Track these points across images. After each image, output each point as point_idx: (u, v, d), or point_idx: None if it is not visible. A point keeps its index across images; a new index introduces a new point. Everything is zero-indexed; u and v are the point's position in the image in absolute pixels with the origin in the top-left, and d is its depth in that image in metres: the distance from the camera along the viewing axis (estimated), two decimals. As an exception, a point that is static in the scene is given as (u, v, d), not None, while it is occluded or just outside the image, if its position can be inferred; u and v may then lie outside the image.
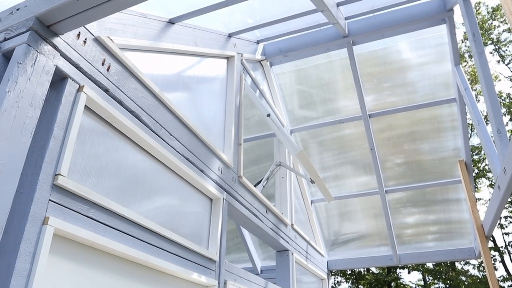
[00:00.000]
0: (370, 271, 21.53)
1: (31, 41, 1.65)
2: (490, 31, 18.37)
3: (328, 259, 6.38)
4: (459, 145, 5.30)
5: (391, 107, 5.25)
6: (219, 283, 2.80)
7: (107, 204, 1.87)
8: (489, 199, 16.20)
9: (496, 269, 18.36)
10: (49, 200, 1.60)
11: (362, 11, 4.52)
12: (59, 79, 1.81)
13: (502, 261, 18.05)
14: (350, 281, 21.96)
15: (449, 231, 5.90)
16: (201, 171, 2.86)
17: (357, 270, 21.60)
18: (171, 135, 2.55)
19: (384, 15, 4.62)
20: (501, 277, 17.82)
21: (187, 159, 2.69)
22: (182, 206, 2.64)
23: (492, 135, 3.89)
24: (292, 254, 4.59)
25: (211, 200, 3.04)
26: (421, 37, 4.86)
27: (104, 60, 2.07)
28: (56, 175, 1.64)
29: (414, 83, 5.14)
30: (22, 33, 1.68)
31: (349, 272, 21.60)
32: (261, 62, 5.04)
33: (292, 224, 4.78)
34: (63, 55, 1.80)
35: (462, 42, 17.49)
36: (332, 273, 22.62)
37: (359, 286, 21.47)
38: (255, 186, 4.23)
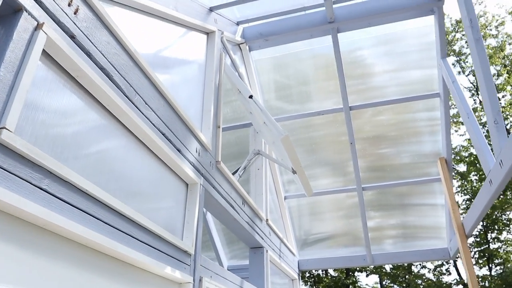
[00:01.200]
0: (329, 274, 21.63)
1: (-28, -49, 1.25)
2: (452, 42, 18.98)
3: (299, 259, 6.13)
4: (439, 142, 5.19)
5: (372, 100, 5.06)
6: (194, 279, 2.44)
7: (66, 175, 1.47)
8: (465, 200, 16.55)
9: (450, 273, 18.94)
10: (-12, 161, 1.20)
11: (350, -5, 4.30)
12: (11, 11, 1.40)
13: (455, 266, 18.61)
14: (309, 284, 21.97)
15: (424, 232, 5.81)
16: (178, 150, 2.49)
17: (316, 273, 21.63)
18: (146, 104, 2.17)
19: (371, 2, 4.42)
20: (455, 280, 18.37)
21: (163, 134, 2.31)
22: (155, 188, 2.26)
23: (486, 127, 3.75)
24: (267, 251, 4.29)
25: (187, 185, 2.67)
26: (407, 27, 4.70)
27: (72, 0, 1.67)
28: (0, 128, 1.24)
29: (397, 76, 4.98)
30: None
31: (307, 274, 21.60)
32: (240, 45, 4.71)
33: (267, 220, 4.47)
34: (16, -20, 1.40)
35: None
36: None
37: (317, 289, 21.52)
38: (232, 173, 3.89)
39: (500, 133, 3.19)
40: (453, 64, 19.26)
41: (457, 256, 5.53)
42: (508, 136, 3.09)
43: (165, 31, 2.79)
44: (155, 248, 2.07)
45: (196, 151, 2.79)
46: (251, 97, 3.43)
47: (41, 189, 1.38)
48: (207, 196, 2.92)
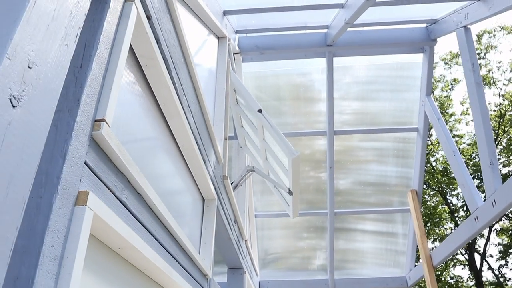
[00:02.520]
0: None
1: None
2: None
3: (259, 280, 5.92)
4: (410, 175, 5.34)
5: (354, 126, 5.10)
6: (209, 308, 2.16)
7: (143, 186, 1.18)
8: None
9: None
10: (85, 163, 0.90)
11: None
12: (100, -26, 1.11)
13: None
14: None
15: (386, 259, 5.90)
16: (204, 161, 2.22)
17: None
18: (189, 107, 1.91)
19: (369, 32, 4.48)
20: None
21: (196, 142, 2.05)
22: (180, 202, 1.98)
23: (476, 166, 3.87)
24: (245, 272, 4.04)
25: (204, 200, 2.40)
26: (397, 61, 4.83)
27: (148, -26, 1.40)
28: (96, 120, 0.95)
29: (380, 106, 5.08)
30: None
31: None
32: (235, 55, 4.51)
33: (246, 240, 4.24)
34: None
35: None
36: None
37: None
38: (225, 191, 3.63)
39: (495, 174, 3.31)
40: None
41: (415, 285, 5.67)
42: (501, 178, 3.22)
43: (186, 28, 2.52)
44: (188, 272, 1.78)
45: (213, 164, 2.53)
46: (260, 111, 3.23)
47: (121, 202, 1.08)
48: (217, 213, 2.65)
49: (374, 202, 5.61)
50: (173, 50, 1.67)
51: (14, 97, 0.66)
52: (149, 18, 1.37)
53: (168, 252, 1.48)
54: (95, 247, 0.98)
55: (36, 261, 0.71)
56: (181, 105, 1.77)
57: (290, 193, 3.56)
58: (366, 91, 5.09)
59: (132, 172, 1.11)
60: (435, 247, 14.09)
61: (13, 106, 0.66)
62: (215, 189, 2.55)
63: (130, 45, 1.30)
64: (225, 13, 3.40)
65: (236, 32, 4.35)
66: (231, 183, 3.71)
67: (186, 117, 1.86)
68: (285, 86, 5.14)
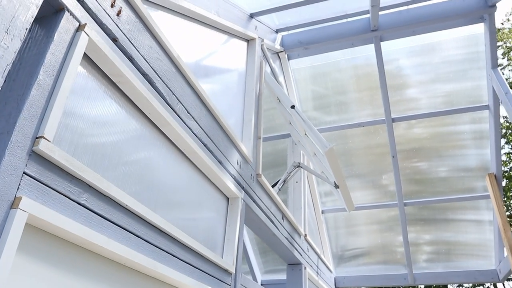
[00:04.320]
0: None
1: None
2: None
3: (335, 276, 5.85)
4: (486, 157, 4.85)
5: (416, 112, 4.79)
6: (234, 301, 2.28)
7: (106, 189, 1.35)
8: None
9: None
10: (24, 173, 1.08)
11: (395, 2, 4.09)
12: (52, 10, 1.31)
13: None
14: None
15: (469, 252, 5.42)
16: (219, 162, 2.35)
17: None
18: (188, 112, 2.05)
19: (417, 10, 4.19)
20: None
21: (204, 145, 2.18)
22: (195, 202, 2.12)
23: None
24: (305, 268, 4.07)
25: (228, 199, 2.52)
26: (453, 36, 4.43)
27: (115, 1, 1.57)
28: (37, 137, 1.13)
29: (442, 87, 4.70)
30: None
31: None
32: (279, 53, 4.57)
33: (305, 235, 4.26)
34: (59, -22, 1.30)
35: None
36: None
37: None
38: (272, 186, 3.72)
39: None
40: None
41: (509, 278, 5.11)
42: None
43: (206, 36, 2.68)
44: (196, 268, 1.92)
45: (237, 163, 2.64)
46: (293, 107, 3.26)
47: (79, 204, 1.26)
48: (247, 211, 2.76)
49: (453, 190, 5.19)
50: (157, 63, 1.83)
51: None
52: (115, 40, 1.54)
53: (158, 247, 1.63)
54: (53, 245, 1.17)
55: (-38, 254, 0.90)
56: (175, 113, 1.92)
57: (336, 186, 3.51)
58: (427, 73, 4.75)
59: (89, 178, 1.28)
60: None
61: None
62: (242, 188, 2.66)
63: (97, 66, 1.48)
64: (252, 15, 3.49)
65: (277, 31, 4.41)
66: (278, 181, 3.78)
67: (185, 123, 2.00)
68: (343, 76, 5.01)
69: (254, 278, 5.94)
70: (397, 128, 4.95)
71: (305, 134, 3.66)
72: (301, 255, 4.03)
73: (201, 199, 2.20)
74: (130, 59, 1.63)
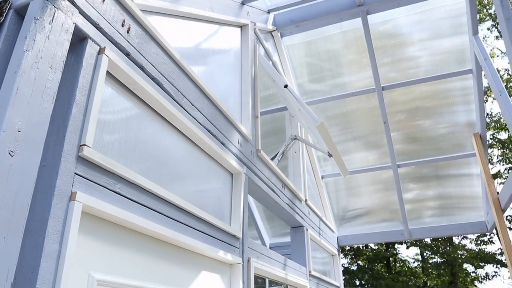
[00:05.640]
0: (369, 247, 21.75)
1: (47, -5, 1.46)
2: (488, 6, 17.96)
3: (338, 235, 6.32)
4: (472, 118, 5.15)
5: (404, 79, 5.07)
6: (243, 260, 2.69)
7: (133, 178, 1.71)
8: (507, 169, 16.01)
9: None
10: (75, 173, 1.44)
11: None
12: (78, 40, 1.62)
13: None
14: (349, 257, 22.21)
15: (460, 206, 5.83)
16: (222, 144, 2.70)
17: (356, 246, 21.80)
18: (192, 105, 2.38)
19: (401, -19, 4.39)
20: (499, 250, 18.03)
21: (208, 130, 2.52)
22: (205, 180, 2.49)
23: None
24: (307, 230, 4.50)
25: (232, 174, 2.89)
26: (436, 5, 4.64)
27: (124, 21, 1.87)
28: (80, 145, 1.48)
29: (427, 55, 4.95)
30: (36, -15, 1.48)
31: (347, 248, 21.82)
32: (272, 32, 4.82)
33: (306, 200, 4.66)
34: (81, 12, 1.61)
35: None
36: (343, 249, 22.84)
37: (358, 262, 21.74)
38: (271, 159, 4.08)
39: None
40: (488, 29, 18.29)
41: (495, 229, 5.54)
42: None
43: (203, 30, 2.96)
44: (209, 235, 2.31)
45: (238, 142, 2.99)
46: (286, 86, 3.57)
47: (115, 192, 1.62)
48: (250, 183, 3.13)
49: (444, 149, 5.52)
50: (163, 67, 2.14)
51: (11, 151, 1.21)
52: (128, 54, 1.86)
53: (177, 221, 2.01)
54: (101, 225, 1.54)
55: (44, 235, 1.27)
56: (182, 107, 2.25)
57: (330, 155, 3.87)
58: (412, 43, 4.98)
59: (120, 171, 1.63)
60: None
61: (11, 156, 1.21)
62: (244, 163, 3.02)
63: (117, 78, 1.80)
64: (243, 2, 3.74)
65: (269, 11, 4.64)
66: (277, 154, 4.14)
67: (191, 115, 2.34)
68: (335, 47, 5.23)
69: (263, 242, 6.43)
70: (388, 94, 5.23)
71: (299, 109, 3.97)
72: (303, 218, 4.44)
73: (209, 177, 2.56)
74: (141, 67, 1.95)
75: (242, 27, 3.70)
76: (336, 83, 5.40)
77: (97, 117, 1.56)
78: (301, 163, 4.75)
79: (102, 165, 1.55)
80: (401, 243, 21.43)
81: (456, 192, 5.81)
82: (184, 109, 2.28)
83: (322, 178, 5.97)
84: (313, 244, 4.86)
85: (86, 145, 1.48)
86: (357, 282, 21.07)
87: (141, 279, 1.73)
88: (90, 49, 1.62)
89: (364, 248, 21.80)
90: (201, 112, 2.47)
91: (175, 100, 2.19)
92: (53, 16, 1.46)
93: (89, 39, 1.62)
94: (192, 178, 2.34)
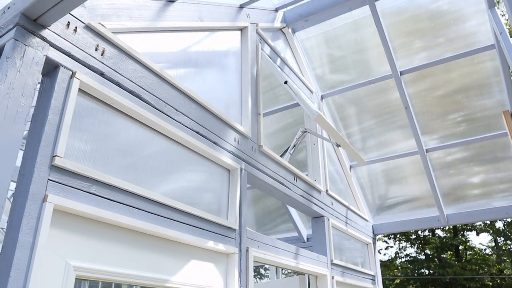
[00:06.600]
0: (436, 235, 20.89)
1: (18, 36, 1.78)
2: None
3: (373, 224, 6.30)
4: (504, 95, 4.90)
5: (424, 61, 4.95)
6: (240, 250, 2.91)
7: (108, 180, 2.00)
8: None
9: None
10: (48, 179, 1.75)
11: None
12: (52, 68, 1.94)
13: None
14: (416, 246, 21.52)
15: (500, 189, 5.55)
16: (214, 143, 2.93)
17: (422, 235, 21.06)
18: (177, 110, 2.64)
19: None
20: None
21: (197, 132, 2.77)
22: (197, 178, 2.74)
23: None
24: (328, 220, 4.60)
25: (229, 171, 3.12)
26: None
27: (98, 46, 2.17)
28: (53, 156, 1.79)
29: (446, 34, 4.79)
30: (11, 29, 1.81)
31: (413, 236, 21.13)
32: (283, 29, 4.95)
33: (327, 190, 4.76)
34: (52, 45, 1.92)
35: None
36: (396, 238, 22.25)
37: (426, 251, 20.99)
38: (281, 155, 4.25)
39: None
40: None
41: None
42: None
43: (194, 39, 3.20)
44: (197, 227, 2.56)
45: (235, 140, 3.20)
46: (285, 82, 3.72)
47: (90, 193, 1.92)
48: (251, 178, 3.34)
49: (472, 133, 5.31)
50: (143, 80, 2.42)
51: (-14, 164, 1.54)
52: (102, 74, 2.16)
53: (159, 215, 2.28)
54: (76, 221, 1.85)
55: (18, 230, 1.59)
56: (165, 114, 2.52)
57: (338, 145, 3.95)
58: (427, 26, 4.85)
59: (94, 175, 1.93)
60: None
61: (-14, 168, 1.54)
62: (243, 159, 3.23)
63: (91, 94, 2.11)
64: (242, 5, 3.92)
65: (277, 9, 4.78)
66: (288, 148, 4.29)
67: (175, 120, 2.60)
68: (351, 37, 5.23)
69: (300, 235, 6.60)
70: (411, 79, 5.13)
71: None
72: (323, 209, 4.55)
73: (202, 174, 2.81)
74: (117, 84, 2.24)
75: (242, 30, 3.90)
76: (357, 70, 5.36)
77: (68, 131, 1.87)
78: (320, 154, 4.84)
79: (75, 171, 1.86)
80: (470, 229, 20.34)
81: (495, 174, 5.54)
82: (168, 116, 2.54)
83: (350, 168, 5.99)
84: (338, 234, 4.94)
85: (58, 156, 1.79)
86: (426, 272, 20.37)
87: (121, 266, 2.02)
88: (63, 75, 1.93)
89: (430, 236, 21.00)
90: (187, 116, 2.72)
91: (156, 109, 2.46)
92: (24, 53, 1.78)
93: (61, 67, 1.93)
94: (181, 176, 2.60)
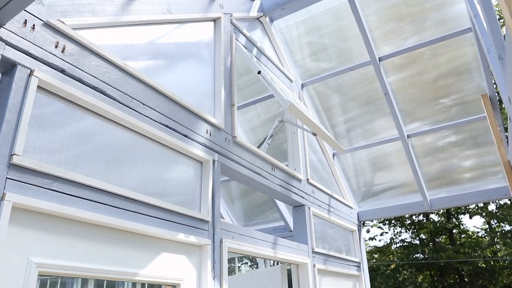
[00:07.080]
0: (430, 219, 21.10)
1: (-30, 35, 1.79)
2: None
3: (358, 210, 6.37)
4: (483, 79, 4.94)
5: (403, 46, 4.97)
6: (213, 241, 2.95)
7: (71, 177, 2.02)
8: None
9: None
10: (7, 178, 1.77)
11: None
12: (9, 67, 1.95)
13: None
14: (411, 231, 21.75)
15: (482, 172, 5.62)
16: (185, 136, 2.95)
17: (417, 219, 21.27)
18: (144, 104, 2.65)
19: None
20: None
21: (166, 126, 2.79)
22: (167, 171, 2.77)
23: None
24: (309, 208, 4.65)
25: (201, 163, 3.15)
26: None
27: (58, 43, 2.18)
28: (12, 155, 1.81)
29: (424, 18, 4.80)
30: (-37, 29, 1.81)
31: (408, 222, 21.34)
32: (260, 19, 4.95)
33: (307, 179, 4.81)
34: (9, 44, 1.92)
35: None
36: (391, 224, 22.48)
37: (421, 235, 21.22)
38: (259, 145, 4.28)
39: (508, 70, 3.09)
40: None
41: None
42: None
43: (163, 32, 3.20)
44: (166, 220, 2.60)
45: (207, 132, 3.23)
46: (259, 72, 3.73)
47: (52, 190, 1.95)
48: (225, 169, 3.37)
49: (452, 116, 5.36)
50: (107, 75, 2.43)
51: None
52: (63, 71, 2.17)
53: (124, 209, 2.31)
54: (36, 218, 1.88)
55: (-25, 229, 1.62)
56: (130, 108, 2.53)
57: (314, 134, 3.99)
58: (407, 12, 4.86)
59: (55, 172, 1.95)
60: None
61: None
62: (216, 151, 3.26)
63: (52, 92, 2.12)
64: (215, -3, 3.92)
65: (253, -1, 4.77)
66: (265, 138, 4.32)
67: (142, 114, 2.61)
68: (330, 24, 5.22)
69: (286, 223, 6.66)
70: (391, 65, 5.15)
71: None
72: (303, 197, 4.60)
73: (173, 167, 2.84)
74: (79, 80, 2.25)
75: (215, 20, 3.89)
76: (337, 57, 5.37)
77: (27, 129, 1.89)
78: (300, 143, 4.88)
79: (35, 168, 1.88)
80: (464, 213, 20.56)
81: (476, 159, 5.60)
82: (134, 110, 2.56)
83: (333, 156, 6.04)
84: (321, 222, 5.00)
85: (16, 154, 1.81)
86: (421, 256, 20.63)
87: (88, 262, 2.06)
88: (20, 73, 1.94)
89: (425, 221, 21.22)
90: (155, 110, 2.74)
91: (121, 103, 2.48)
92: (-24, 52, 1.79)
93: (18, 65, 1.94)
94: (150, 170, 2.63)
